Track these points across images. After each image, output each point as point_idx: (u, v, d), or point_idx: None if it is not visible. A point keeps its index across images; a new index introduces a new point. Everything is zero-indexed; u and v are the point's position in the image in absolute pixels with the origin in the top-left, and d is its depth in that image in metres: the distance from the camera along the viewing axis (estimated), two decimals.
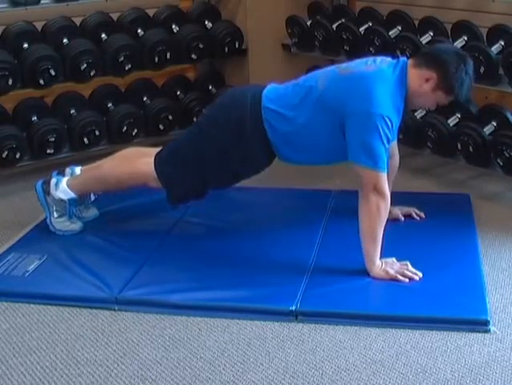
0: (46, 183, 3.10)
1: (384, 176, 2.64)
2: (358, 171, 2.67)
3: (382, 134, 2.62)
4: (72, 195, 3.07)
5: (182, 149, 2.94)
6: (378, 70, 2.72)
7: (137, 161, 3.01)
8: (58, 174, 3.19)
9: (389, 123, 2.64)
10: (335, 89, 2.73)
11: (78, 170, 3.21)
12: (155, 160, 2.94)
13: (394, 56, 2.90)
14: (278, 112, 2.79)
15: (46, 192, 3.08)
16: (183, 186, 2.94)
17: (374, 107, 2.63)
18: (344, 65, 2.86)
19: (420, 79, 2.73)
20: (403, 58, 2.81)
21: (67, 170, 3.22)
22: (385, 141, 2.64)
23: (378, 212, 2.63)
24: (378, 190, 2.62)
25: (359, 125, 2.65)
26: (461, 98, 2.79)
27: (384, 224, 2.65)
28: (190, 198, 2.99)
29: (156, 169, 2.92)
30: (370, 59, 2.81)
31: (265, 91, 2.85)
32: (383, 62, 2.78)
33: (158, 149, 3.02)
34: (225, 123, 2.85)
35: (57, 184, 3.07)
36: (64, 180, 3.10)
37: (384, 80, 2.69)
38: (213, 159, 2.87)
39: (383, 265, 2.67)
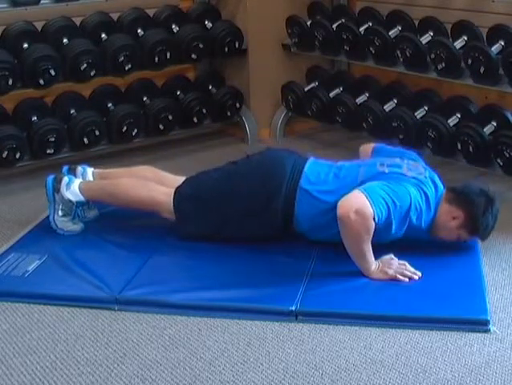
0: (58, 180, 3.08)
1: (370, 211, 2.55)
2: (351, 193, 2.62)
3: (396, 200, 2.63)
4: (82, 198, 3.07)
5: (205, 193, 2.94)
6: (417, 178, 2.77)
7: (155, 189, 3.01)
8: (69, 172, 3.18)
9: (408, 205, 2.65)
10: (370, 179, 2.74)
11: (90, 173, 3.21)
12: (175, 193, 2.94)
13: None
14: (313, 196, 2.80)
15: (56, 189, 3.07)
16: (195, 227, 2.96)
17: (405, 184, 2.69)
18: (384, 161, 2.87)
19: (448, 215, 2.79)
20: (441, 186, 2.86)
21: (79, 169, 3.21)
22: (393, 205, 2.61)
23: (358, 233, 2.57)
24: (358, 212, 2.55)
25: (384, 181, 2.68)
26: (483, 238, 2.87)
27: (368, 240, 2.60)
28: (200, 238, 2.98)
29: (174, 203, 2.93)
30: (411, 164, 2.87)
31: (306, 170, 2.85)
32: (423, 172, 2.84)
33: (178, 179, 3.04)
34: (258, 188, 2.86)
35: (68, 185, 3.06)
36: (76, 183, 3.08)
37: (420, 186, 2.75)
38: (233, 214, 2.89)
39: (380, 266, 2.67)
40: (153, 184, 3.05)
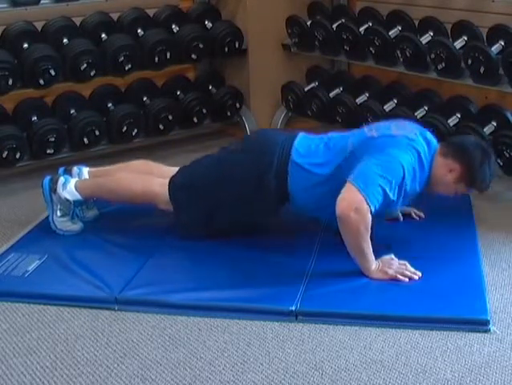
0: (54, 181, 3.09)
1: (367, 206, 2.56)
2: (345, 188, 2.61)
3: (389, 176, 2.62)
4: (79, 197, 3.07)
5: (199, 182, 2.95)
6: (407, 137, 2.74)
7: (150, 181, 3.02)
8: (65, 172, 3.19)
9: (402, 175, 2.63)
10: (363, 149, 2.75)
11: (86, 172, 3.21)
12: (169, 184, 2.95)
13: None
14: (305, 169, 2.81)
15: (53, 189, 3.07)
16: (192, 215, 2.96)
17: (396, 154, 2.66)
18: (373, 126, 2.87)
19: (445, 169, 2.77)
20: (434, 140, 2.84)
21: (75, 169, 3.21)
22: (388, 184, 2.61)
23: (358, 231, 2.57)
24: (356, 209, 2.56)
25: (374, 158, 2.66)
26: (480, 191, 2.87)
27: (367, 237, 2.60)
28: (196, 228, 2.98)
29: (169, 193, 2.93)
30: (400, 124, 2.85)
31: (296, 144, 2.85)
32: (413, 130, 2.80)
33: (172, 169, 3.04)
34: (250, 168, 2.86)
35: (65, 184, 3.07)
36: (72, 182, 3.09)
37: (411, 146, 2.71)
38: (228, 198, 2.89)
39: (380, 266, 2.67)
40: (148, 176, 3.05)
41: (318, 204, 2.83)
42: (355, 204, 2.56)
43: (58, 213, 3.08)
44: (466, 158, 2.76)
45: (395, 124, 2.86)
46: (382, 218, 2.73)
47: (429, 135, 2.85)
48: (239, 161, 2.92)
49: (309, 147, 2.87)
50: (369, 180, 2.60)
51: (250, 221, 2.97)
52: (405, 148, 2.70)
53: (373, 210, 2.58)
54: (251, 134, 3.07)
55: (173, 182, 2.97)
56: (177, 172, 3.02)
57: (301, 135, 2.94)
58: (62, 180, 3.08)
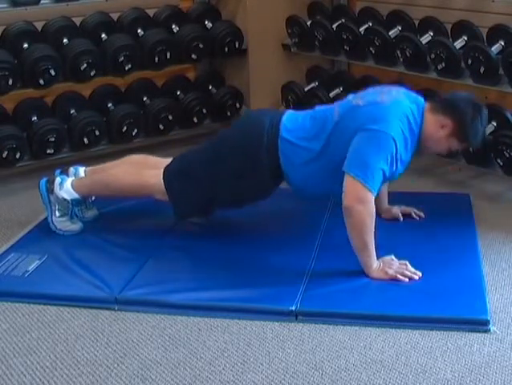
0: (50, 182, 3.10)
1: (370, 194, 2.59)
2: (346, 181, 2.63)
3: (383, 153, 2.61)
4: (76, 196, 3.08)
5: (193, 167, 2.95)
6: (394, 102, 2.73)
7: (145, 172, 3.02)
8: (61, 173, 3.19)
9: (394, 147, 2.63)
10: (349, 118, 2.74)
11: (82, 171, 3.21)
12: (164, 173, 2.95)
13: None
14: (294, 143, 2.80)
15: (50, 190, 3.08)
16: (189, 202, 2.96)
17: (384, 127, 2.64)
18: (359, 95, 2.86)
19: (436, 125, 2.75)
20: (421, 99, 2.82)
21: (71, 170, 3.22)
22: (384, 163, 2.61)
23: (363, 222, 2.60)
24: (361, 201, 2.58)
25: (364, 139, 2.65)
26: (474, 146, 2.88)
27: (371, 231, 2.62)
28: (195, 214, 2.99)
29: (164, 182, 2.93)
30: (385, 89, 2.83)
31: (283, 120, 2.86)
32: (399, 93, 2.79)
33: (167, 160, 3.03)
34: (240, 147, 2.87)
35: (61, 184, 3.08)
36: (69, 181, 3.10)
37: (399, 111, 2.70)
38: (223, 181, 2.88)
39: (381, 266, 2.67)
40: (143, 168, 3.06)
41: (313, 181, 2.83)
42: (358, 195, 2.58)
43: (57, 214, 3.08)
44: (457, 113, 2.74)
45: (380, 91, 2.83)
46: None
47: (415, 96, 2.83)
48: (230, 142, 2.93)
49: (296, 120, 2.87)
50: (365, 166, 2.60)
51: (248, 200, 2.97)
52: (393, 116, 2.67)
53: (376, 194, 2.62)
54: (240, 117, 3.09)
55: (167, 170, 2.97)
56: (171, 162, 3.02)
57: (289, 111, 2.95)
58: (58, 180, 3.09)
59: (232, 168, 2.86)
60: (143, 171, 3.04)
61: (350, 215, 2.61)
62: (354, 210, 2.59)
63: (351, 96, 2.89)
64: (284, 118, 2.87)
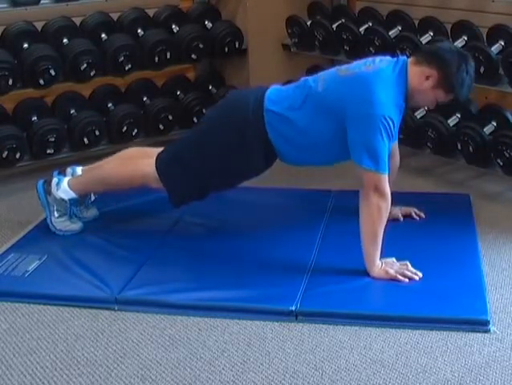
0: (47, 183, 3.10)
1: (385, 178, 2.64)
2: (359, 172, 2.67)
3: (384, 134, 2.63)
4: (73, 195, 3.08)
5: (183, 151, 2.95)
6: (377, 70, 2.72)
7: (139, 162, 3.02)
8: (59, 174, 3.19)
9: (391, 123, 2.64)
10: (334, 91, 2.75)
11: (79, 170, 3.21)
12: (156, 160, 2.94)
13: (394, 55, 2.90)
14: (279, 114, 2.79)
15: (47, 191, 3.08)
16: (184, 187, 2.94)
17: (375, 108, 2.63)
18: (344, 67, 2.86)
19: (421, 77, 2.73)
20: (403, 57, 2.81)
21: (68, 170, 3.22)
22: (387, 141, 2.64)
23: (379, 213, 2.63)
24: (379, 191, 2.63)
25: (361, 127, 2.65)
26: (461, 97, 2.81)
27: (384, 224, 2.66)
28: (191, 199, 2.99)
29: (157, 170, 2.93)
30: (369, 60, 2.82)
31: (267, 93, 2.85)
32: (382, 61, 2.78)
33: (159, 149, 3.02)
34: (227, 125, 2.86)
35: (58, 184, 3.08)
36: (65, 180, 3.10)
37: (383, 79, 2.69)
38: (214, 161, 2.88)
39: (382, 265, 2.67)
40: (136, 159, 3.05)
41: (303, 153, 2.84)
42: (375, 184, 2.62)
43: (56, 214, 3.08)
44: (442, 62, 2.71)
45: (364, 62, 2.81)
46: None
47: (398, 57, 2.80)
48: (215, 121, 2.93)
49: (280, 92, 2.87)
50: (371, 153, 2.62)
51: (240, 178, 2.97)
52: (380, 90, 2.65)
53: (388, 171, 2.66)
54: (224, 95, 3.08)
55: (160, 158, 2.96)
56: (163, 149, 3.02)
57: (273, 86, 2.94)
58: (55, 180, 3.10)
59: (220, 146, 2.86)
60: (137, 161, 3.03)
61: (368, 203, 2.64)
62: (371, 198, 2.62)
63: (336, 68, 2.87)
64: (268, 91, 2.86)
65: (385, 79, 2.70)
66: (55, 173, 3.20)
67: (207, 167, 2.89)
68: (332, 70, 2.88)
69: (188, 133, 3.06)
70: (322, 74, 2.87)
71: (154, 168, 2.93)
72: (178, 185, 2.94)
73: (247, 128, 2.81)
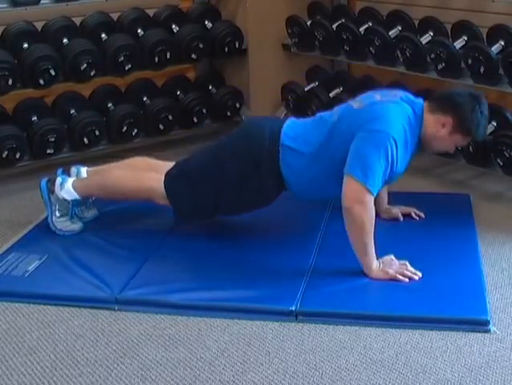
0: (51, 181, 3.09)
1: (370, 196, 2.60)
2: (346, 182, 2.63)
3: (383, 153, 2.61)
4: (76, 196, 3.08)
5: (194, 172, 2.95)
6: (394, 102, 2.74)
7: (146, 175, 3.02)
8: (63, 173, 3.19)
9: (394, 148, 2.62)
10: (348, 120, 2.75)
11: (84, 171, 3.22)
12: (165, 177, 2.95)
13: (406, 89, 2.92)
14: (295, 150, 2.81)
15: (51, 190, 3.08)
16: (191, 207, 2.96)
17: (384, 126, 2.64)
18: (358, 98, 2.87)
19: (437, 125, 2.76)
20: (419, 100, 2.82)
21: (73, 169, 3.22)
22: (384, 163, 2.61)
23: (363, 223, 2.59)
24: (361, 202, 2.58)
25: (364, 139, 2.65)
26: (478, 138, 2.85)
27: (371, 232, 2.62)
28: (197, 219, 2.99)
29: (165, 187, 2.93)
30: (384, 91, 2.84)
31: (284, 128, 2.86)
32: (398, 95, 2.79)
33: (168, 164, 3.04)
34: (241, 154, 2.87)
35: (62, 184, 3.07)
36: (70, 181, 3.09)
37: (399, 111, 2.70)
38: (224, 186, 2.89)
39: (381, 266, 2.67)
40: (144, 172, 3.06)
41: (314, 185, 2.83)
42: (358, 196, 2.58)
43: (57, 214, 3.08)
44: (455, 108, 2.73)
45: (379, 93, 2.84)
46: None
47: (413, 97, 2.83)
48: (231, 149, 2.92)
49: (297, 127, 2.88)
50: (365, 166, 2.60)
51: (247, 208, 2.97)
52: (393, 116, 2.68)
53: (376, 194, 2.62)
54: (241, 124, 3.09)
55: (169, 175, 2.97)
56: (173, 167, 3.02)
57: (290, 119, 2.96)
58: (59, 180, 3.09)
59: (232, 175, 2.87)
60: (144, 174, 3.04)
61: (349, 216, 2.61)
62: (353, 211, 2.59)
63: (351, 101, 2.89)
64: (285, 125, 2.87)
65: (401, 113, 2.71)
66: (59, 172, 3.20)
67: (216, 191, 2.90)
68: (347, 103, 2.90)
69: (201, 155, 3.04)
70: (336, 109, 2.89)
71: (162, 184, 2.94)
72: (185, 205, 2.96)
73: (261, 160, 2.82)
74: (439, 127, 2.76)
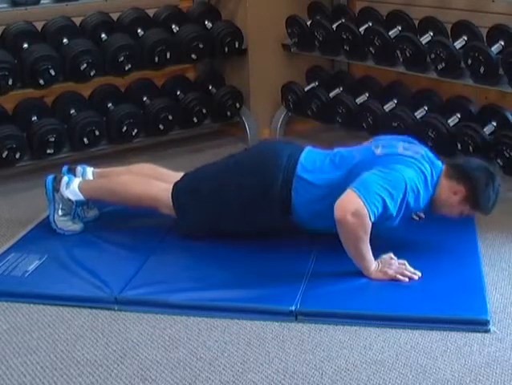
0: (57, 180, 3.09)
1: (366, 210, 2.54)
2: (345, 193, 2.60)
3: (390, 187, 2.60)
4: (81, 197, 3.07)
5: (204, 186, 2.95)
6: (414, 157, 2.75)
7: (154, 183, 3.02)
8: (69, 172, 3.19)
9: (404, 190, 2.63)
10: (368, 166, 2.73)
11: (89, 172, 3.22)
12: (173, 189, 2.95)
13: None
14: (309, 183, 2.80)
15: (56, 188, 3.07)
16: (196, 221, 2.97)
17: (399, 169, 2.66)
18: (381, 143, 2.87)
19: (450, 191, 2.77)
20: (439, 162, 2.83)
21: (79, 169, 3.22)
22: (388, 197, 2.59)
23: (356, 234, 2.57)
24: (355, 213, 2.54)
25: (376, 171, 2.65)
26: (485, 212, 2.87)
27: (366, 239, 2.60)
28: (201, 231, 2.99)
29: (172, 198, 2.93)
30: (407, 144, 2.85)
31: (302, 159, 2.85)
32: (419, 151, 2.81)
33: (175, 174, 3.05)
34: (254, 179, 2.86)
35: (68, 184, 3.07)
36: (76, 182, 3.09)
37: (417, 165, 2.72)
38: (232, 204, 2.89)
39: (379, 266, 2.66)
40: (152, 180, 3.06)
41: (319, 216, 2.81)
42: (353, 207, 2.55)
43: (60, 212, 3.08)
44: (471, 181, 2.75)
45: (402, 144, 2.85)
46: (380, 232, 2.69)
47: (434, 157, 2.85)
48: (246, 170, 2.92)
49: (314, 162, 2.86)
50: (370, 188, 2.59)
51: (252, 229, 2.96)
52: (410, 166, 2.71)
53: (372, 218, 2.57)
54: (258, 144, 3.08)
55: (177, 187, 2.96)
56: (182, 178, 3.02)
57: (307, 149, 2.94)
58: (65, 179, 3.09)
59: (243, 198, 2.86)
60: (152, 182, 3.03)
61: (341, 225, 2.58)
62: (346, 222, 2.55)
63: (372, 144, 2.88)
64: (302, 157, 2.86)
65: (419, 166, 2.72)
66: (65, 171, 3.20)
67: (224, 208, 2.91)
68: (368, 146, 2.90)
69: (211, 168, 3.03)
70: (357, 150, 2.89)
71: (169, 195, 2.94)
72: (191, 217, 2.96)
73: (273, 186, 2.82)
74: (451, 194, 2.77)
